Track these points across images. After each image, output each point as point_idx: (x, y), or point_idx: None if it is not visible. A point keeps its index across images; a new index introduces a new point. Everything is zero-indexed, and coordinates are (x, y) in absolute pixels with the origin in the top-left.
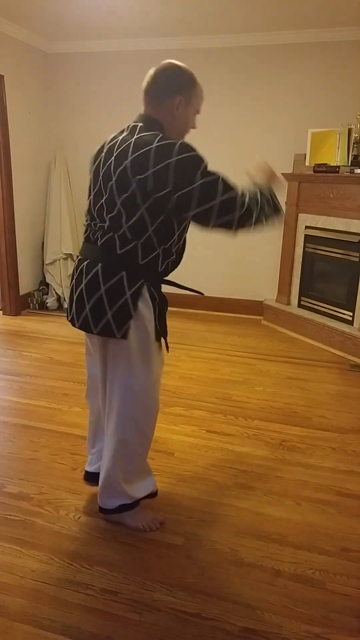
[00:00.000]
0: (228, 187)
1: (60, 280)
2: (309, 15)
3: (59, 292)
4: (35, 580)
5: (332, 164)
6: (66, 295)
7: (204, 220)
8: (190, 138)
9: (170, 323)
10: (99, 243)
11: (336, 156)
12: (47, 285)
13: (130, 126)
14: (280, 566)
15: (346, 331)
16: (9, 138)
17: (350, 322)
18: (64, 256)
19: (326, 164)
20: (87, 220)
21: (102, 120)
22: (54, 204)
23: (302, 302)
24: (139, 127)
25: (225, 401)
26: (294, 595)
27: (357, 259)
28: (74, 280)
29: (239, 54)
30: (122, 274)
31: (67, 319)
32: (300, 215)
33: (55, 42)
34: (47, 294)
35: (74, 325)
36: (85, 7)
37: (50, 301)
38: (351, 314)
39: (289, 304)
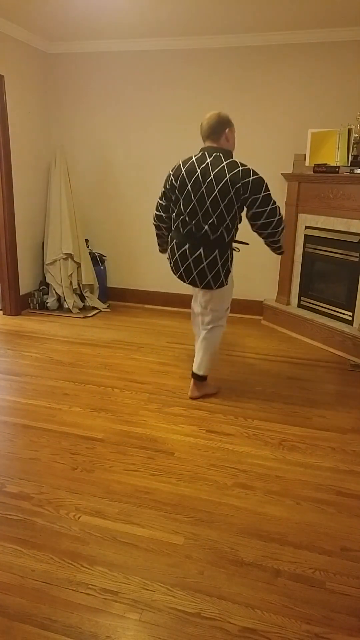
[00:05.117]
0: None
1: (60, 280)
2: (309, 16)
3: (59, 292)
4: (35, 580)
5: (332, 164)
6: (172, 268)
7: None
8: (191, 137)
9: (171, 323)
10: (211, 237)
11: (336, 156)
12: (47, 285)
13: (214, 155)
14: (280, 566)
15: (346, 331)
16: (9, 138)
17: (350, 322)
18: (64, 256)
19: (326, 164)
20: (181, 218)
21: (102, 120)
22: (54, 204)
23: (302, 302)
24: (220, 155)
25: (225, 401)
26: (294, 595)
27: (357, 259)
28: (190, 261)
29: (239, 54)
30: (228, 253)
31: (185, 281)
32: (300, 215)
33: (55, 42)
34: (47, 294)
35: (195, 285)
36: (85, 7)
37: (51, 301)
38: (351, 314)
39: (288, 304)
